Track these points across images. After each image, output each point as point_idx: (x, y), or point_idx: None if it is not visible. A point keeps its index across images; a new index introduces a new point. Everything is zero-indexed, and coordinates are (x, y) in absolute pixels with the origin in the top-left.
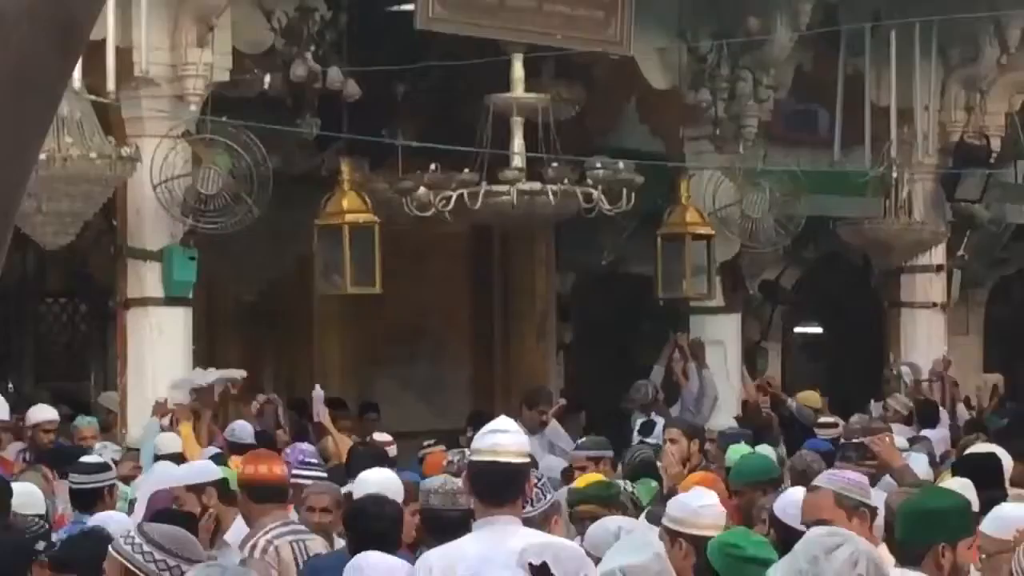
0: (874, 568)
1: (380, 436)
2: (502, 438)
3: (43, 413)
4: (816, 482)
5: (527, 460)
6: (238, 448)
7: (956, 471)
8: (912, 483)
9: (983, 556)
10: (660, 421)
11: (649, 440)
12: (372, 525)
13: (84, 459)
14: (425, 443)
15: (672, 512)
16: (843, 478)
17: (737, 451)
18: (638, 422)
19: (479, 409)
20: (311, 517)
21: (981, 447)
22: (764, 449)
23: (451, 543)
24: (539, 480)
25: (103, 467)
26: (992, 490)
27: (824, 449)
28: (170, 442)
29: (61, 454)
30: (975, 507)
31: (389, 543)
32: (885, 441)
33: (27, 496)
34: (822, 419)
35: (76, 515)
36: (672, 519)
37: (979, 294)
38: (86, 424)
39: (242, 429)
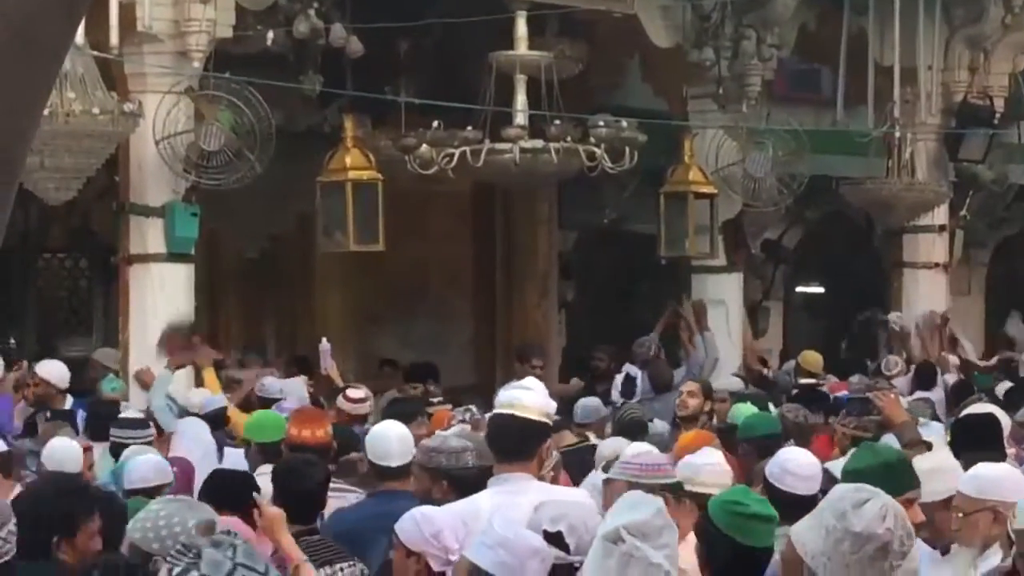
0: (901, 522)
1: (353, 392)
2: (523, 395)
3: (56, 370)
4: (611, 474)
5: (547, 421)
6: (267, 403)
7: (954, 432)
8: (913, 440)
9: (960, 515)
10: (639, 376)
11: (632, 400)
12: (302, 484)
13: (125, 415)
14: (431, 400)
15: (681, 472)
16: (637, 466)
17: (743, 410)
18: (619, 380)
19: (427, 361)
20: None
21: (979, 407)
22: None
23: (466, 499)
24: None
25: (144, 423)
26: (990, 451)
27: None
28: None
29: (98, 411)
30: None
31: (316, 504)
32: (889, 396)
33: (64, 452)
34: (821, 381)
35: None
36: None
37: (981, 254)
38: (110, 391)
39: (271, 385)
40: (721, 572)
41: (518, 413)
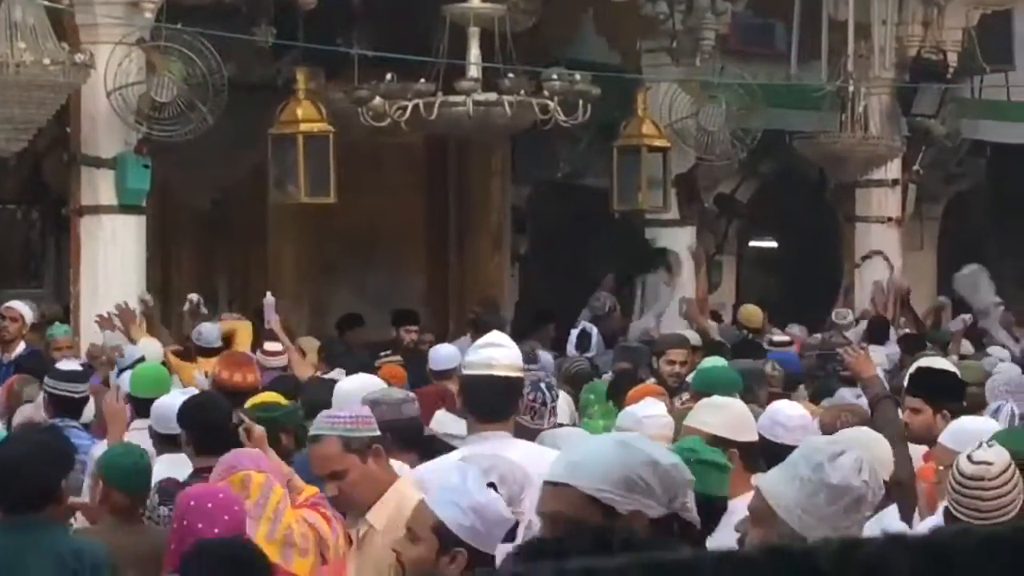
0: (875, 475)
1: (270, 345)
2: (496, 352)
3: (27, 309)
4: (315, 431)
5: (520, 375)
6: (205, 352)
7: (911, 385)
8: (879, 395)
9: (940, 468)
10: (594, 332)
11: (588, 354)
12: (208, 416)
13: (63, 366)
14: (381, 353)
15: (622, 423)
16: (344, 418)
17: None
18: (574, 335)
19: (354, 312)
20: None
21: (933, 361)
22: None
23: (444, 457)
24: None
25: (84, 376)
26: (952, 403)
27: (787, 362)
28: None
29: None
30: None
31: (222, 442)
32: (859, 352)
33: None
34: (776, 338)
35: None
36: (622, 429)
37: (934, 209)
38: (62, 333)
39: (209, 332)
40: None
41: (496, 373)
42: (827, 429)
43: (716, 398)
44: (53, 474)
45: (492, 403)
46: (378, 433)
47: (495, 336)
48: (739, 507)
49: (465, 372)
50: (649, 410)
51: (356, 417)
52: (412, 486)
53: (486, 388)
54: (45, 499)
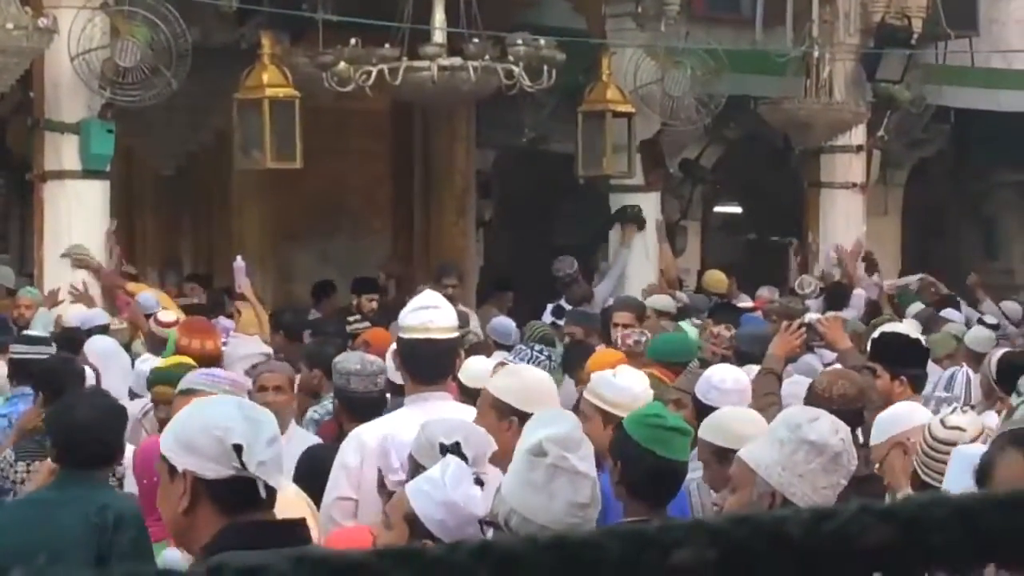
0: (850, 441)
1: (164, 315)
2: (434, 315)
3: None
4: (189, 384)
5: (457, 335)
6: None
7: (872, 350)
8: (856, 366)
9: (877, 464)
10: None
11: (559, 322)
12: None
13: (28, 332)
14: (349, 319)
15: (599, 389)
16: (223, 379)
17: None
18: (549, 306)
19: (326, 279)
20: (264, 397)
21: (892, 326)
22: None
23: (382, 419)
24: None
25: (45, 341)
26: (914, 369)
27: (760, 328)
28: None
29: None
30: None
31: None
32: (834, 322)
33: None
34: (740, 303)
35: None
36: (596, 395)
37: (898, 175)
38: (26, 293)
39: (146, 300)
40: (640, 486)
41: (433, 336)
42: (825, 392)
43: (516, 365)
44: (120, 434)
45: (432, 365)
46: None
47: (430, 297)
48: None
49: (402, 336)
50: (627, 380)
51: (237, 381)
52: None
53: (425, 351)
54: (111, 459)
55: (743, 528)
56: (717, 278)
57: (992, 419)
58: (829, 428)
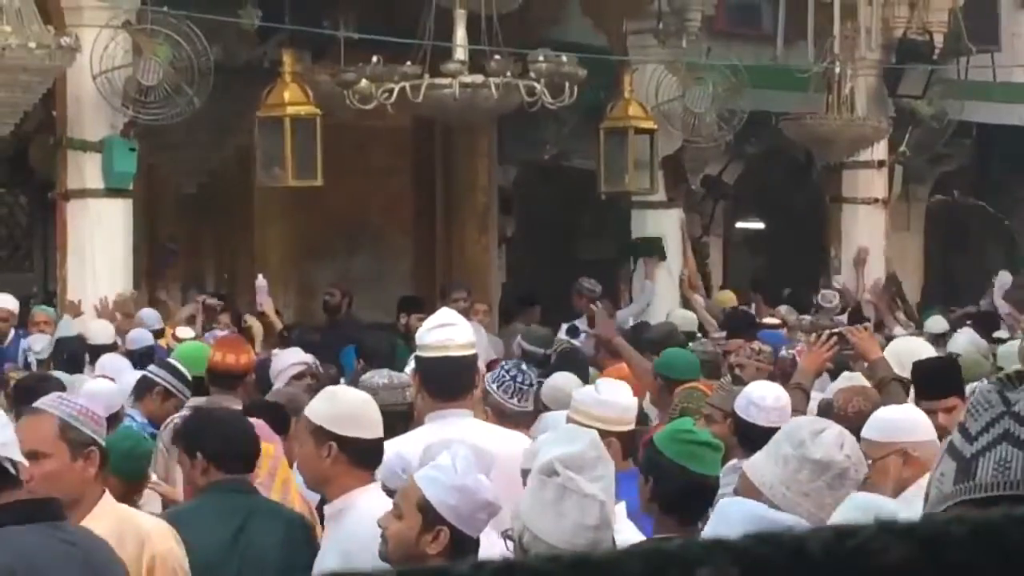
0: (856, 451)
1: (182, 331)
2: (451, 332)
3: (10, 301)
4: (39, 404)
5: (475, 352)
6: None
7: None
8: (885, 378)
9: (869, 462)
10: (583, 325)
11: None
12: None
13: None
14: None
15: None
16: (76, 405)
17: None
18: (564, 327)
19: (411, 295)
20: None
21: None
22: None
23: (403, 436)
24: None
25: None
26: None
27: (775, 342)
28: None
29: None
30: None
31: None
32: (863, 332)
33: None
34: (767, 319)
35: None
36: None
37: (920, 190)
38: (41, 310)
39: (148, 316)
40: (672, 502)
41: (452, 353)
42: (841, 410)
43: (335, 387)
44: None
45: (451, 383)
46: (102, 443)
47: (446, 315)
48: None
49: (420, 354)
50: (611, 393)
51: (88, 411)
52: (163, 535)
53: (445, 369)
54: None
55: (765, 546)
56: (726, 298)
57: None
58: (834, 442)
